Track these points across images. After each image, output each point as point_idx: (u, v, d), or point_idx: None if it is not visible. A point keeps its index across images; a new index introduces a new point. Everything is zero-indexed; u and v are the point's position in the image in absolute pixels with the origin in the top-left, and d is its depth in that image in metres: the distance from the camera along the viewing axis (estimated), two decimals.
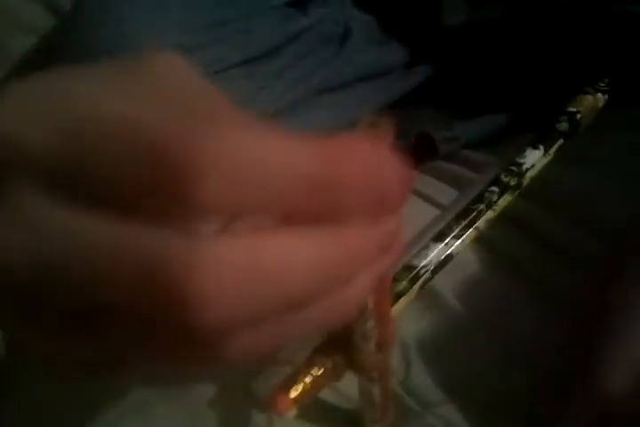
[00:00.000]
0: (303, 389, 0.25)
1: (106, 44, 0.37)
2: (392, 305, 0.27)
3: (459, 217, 0.32)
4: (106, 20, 0.39)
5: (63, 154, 0.12)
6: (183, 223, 0.13)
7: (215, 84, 0.16)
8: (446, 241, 0.31)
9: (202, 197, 0.12)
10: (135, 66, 0.15)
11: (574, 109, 0.39)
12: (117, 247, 0.12)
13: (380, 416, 0.30)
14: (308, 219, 0.13)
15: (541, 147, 0.36)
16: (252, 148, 0.12)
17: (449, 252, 0.30)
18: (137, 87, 0.15)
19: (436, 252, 0.30)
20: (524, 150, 0.36)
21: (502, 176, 0.34)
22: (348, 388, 0.30)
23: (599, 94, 0.40)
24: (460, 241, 0.31)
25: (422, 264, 0.29)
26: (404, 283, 0.28)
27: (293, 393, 0.25)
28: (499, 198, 0.33)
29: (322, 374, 0.25)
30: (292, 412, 0.25)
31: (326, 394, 0.30)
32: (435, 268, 0.30)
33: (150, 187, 0.12)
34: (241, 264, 0.12)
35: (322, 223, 0.13)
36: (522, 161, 0.35)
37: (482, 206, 0.32)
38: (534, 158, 0.36)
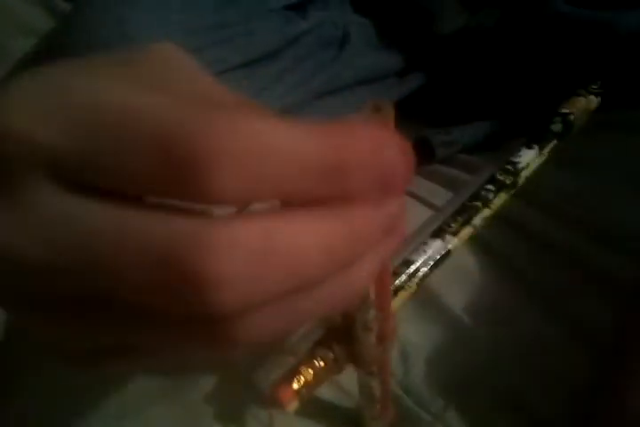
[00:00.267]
0: (305, 381, 0.25)
1: (106, 45, 0.37)
2: (392, 298, 0.28)
3: (456, 214, 0.32)
4: (106, 21, 0.39)
5: (71, 147, 0.12)
6: (196, 206, 0.13)
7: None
8: (444, 237, 0.31)
9: (216, 185, 0.12)
10: (132, 57, 0.16)
11: (567, 111, 0.40)
12: (130, 233, 0.12)
13: (379, 413, 0.30)
14: (317, 202, 0.13)
15: (536, 147, 0.37)
16: (261, 134, 0.12)
17: (446, 248, 0.31)
18: (137, 77, 0.15)
19: (434, 248, 0.30)
20: (519, 150, 0.36)
21: (498, 175, 0.35)
22: (348, 385, 0.30)
23: (592, 96, 0.41)
24: (457, 238, 0.31)
25: (421, 259, 0.29)
26: (403, 277, 0.29)
27: (295, 385, 0.25)
28: (495, 197, 0.34)
29: (323, 366, 0.25)
30: (294, 404, 0.25)
31: (326, 391, 0.30)
32: (433, 263, 0.30)
33: (162, 175, 0.12)
34: (255, 247, 0.12)
35: (330, 205, 0.13)
36: (517, 160, 0.36)
37: (478, 204, 0.33)
38: (529, 158, 0.36)
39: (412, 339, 0.32)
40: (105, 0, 0.41)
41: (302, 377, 0.25)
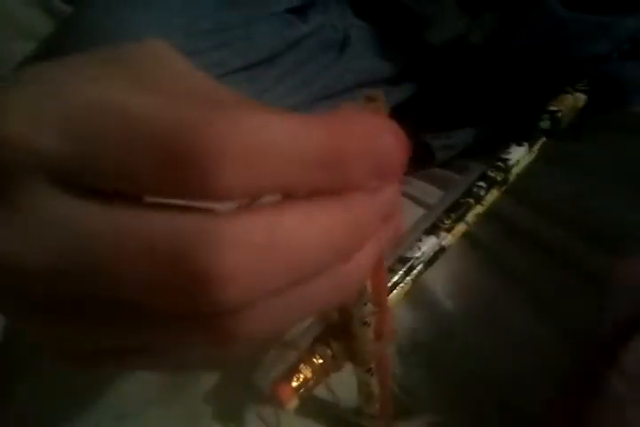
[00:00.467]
0: (304, 379, 0.25)
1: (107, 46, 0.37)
2: (388, 294, 0.28)
3: (449, 211, 0.32)
4: (107, 24, 0.39)
5: (69, 150, 0.12)
6: (196, 204, 0.13)
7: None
8: (438, 234, 0.31)
9: (220, 183, 0.12)
10: (124, 54, 0.16)
11: (555, 108, 0.40)
12: (132, 233, 0.12)
13: (378, 411, 0.30)
14: (317, 192, 0.13)
15: (525, 144, 0.37)
16: (260, 129, 0.12)
17: (441, 244, 0.31)
18: (132, 76, 0.15)
19: (429, 244, 0.30)
20: (509, 147, 0.36)
21: (489, 172, 0.35)
22: (346, 386, 0.30)
23: (578, 94, 0.41)
24: (451, 234, 0.32)
25: (416, 256, 0.30)
26: (399, 273, 0.29)
27: (294, 383, 0.25)
28: (486, 193, 0.34)
29: (322, 363, 0.25)
30: (294, 403, 0.25)
31: (326, 391, 0.30)
32: (428, 260, 0.30)
33: (164, 175, 0.12)
34: (257, 242, 0.12)
35: (328, 195, 0.13)
36: (507, 157, 0.36)
37: (471, 201, 0.33)
38: (519, 155, 0.36)
39: (407, 338, 0.32)
40: (106, 1, 0.41)
41: (301, 375, 0.25)
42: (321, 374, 0.26)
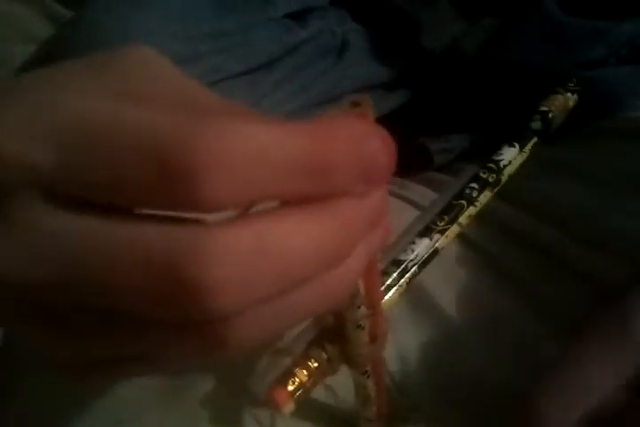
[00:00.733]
0: (299, 382, 0.25)
1: (107, 47, 0.38)
2: (382, 297, 0.28)
3: (442, 213, 0.32)
4: (107, 26, 0.39)
5: (61, 165, 0.13)
6: (188, 214, 0.13)
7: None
8: (431, 236, 0.31)
9: (207, 193, 0.12)
10: (112, 62, 0.16)
11: (546, 109, 0.40)
12: (123, 245, 0.12)
13: (374, 414, 0.30)
14: (304, 198, 0.14)
15: (517, 144, 0.37)
16: (246, 138, 0.12)
17: (434, 246, 0.31)
18: (120, 87, 0.15)
19: (422, 246, 0.31)
20: (501, 148, 0.37)
21: (481, 173, 0.35)
22: (343, 388, 0.30)
23: (569, 94, 0.41)
24: (444, 236, 0.32)
25: (409, 258, 0.30)
26: (393, 276, 0.29)
27: (290, 387, 0.25)
28: (479, 194, 0.34)
29: (317, 367, 0.25)
30: (290, 406, 0.25)
31: (322, 394, 0.30)
32: (422, 262, 0.30)
33: (153, 186, 0.12)
34: (246, 252, 0.12)
35: (316, 201, 0.14)
36: (499, 158, 0.36)
37: (463, 202, 0.33)
38: (511, 155, 0.37)
39: (407, 341, 0.32)
40: (106, 4, 0.41)
41: (297, 379, 0.25)
42: (316, 377, 0.26)
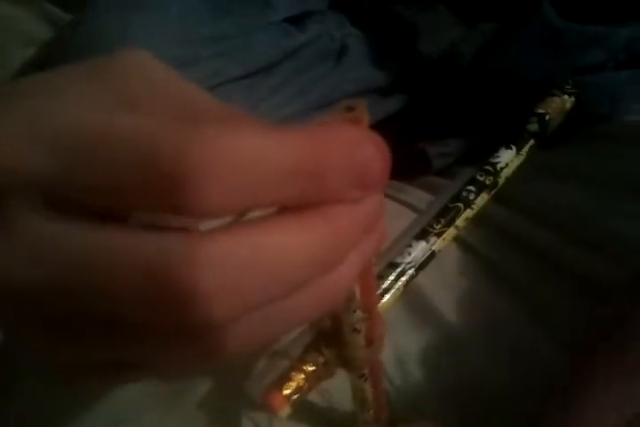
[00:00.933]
0: (296, 386, 0.25)
1: (107, 49, 0.38)
2: (379, 300, 0.28)
3: (439, 216, 0.32)
4: (107, 29, 0.39)
5: (57, 173, 0.13)
6: (184, 222, 0.13)
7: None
8: (428, 239, 0.31)
9: (201, 200, 0.12)
10: (107, 67, 0.16)
11: (543, 111, 0.40)
12: (116, 254, 0.12)
13: (372, 418, 0.30)
14: (298, 205, 0.13)
15: (514, 147, 0.37)
16: (240, 145, 0.12)
17: (431, 249, 0.31)
18: (115, 93, 0.15)
19: (419, 249, 0.31)
20: (498, 150, 0.37)
21: (478, 176, 0.35)
22: (340, 391, 0.30)
23: (566, 96, 0.42)
24: (441, 239, 0.32)
25: (406, 261, 0.30)
26: (390, 279, 0.29)
27: (286, 391, 0.25)
28: (476, 197, 0.34)
29: (314, 370, 0.25)
30: (286, 410, 0.25)
31: (320, 397, 0.30)
32: (418, 265, 0.30)
33: (147, 193, 0.12)
34: (239, 261, 0.12)
35: (310, 207, 0.14)
36: (496, 161, 0.36)
37: (460, 205, 0.33)
38: (508, 158, 0.37)
39: (406, 344, 0.32)
40: (106, 7, 0.41)
41: (293, 383, 0.25)
42: (313, 381, 0.26)
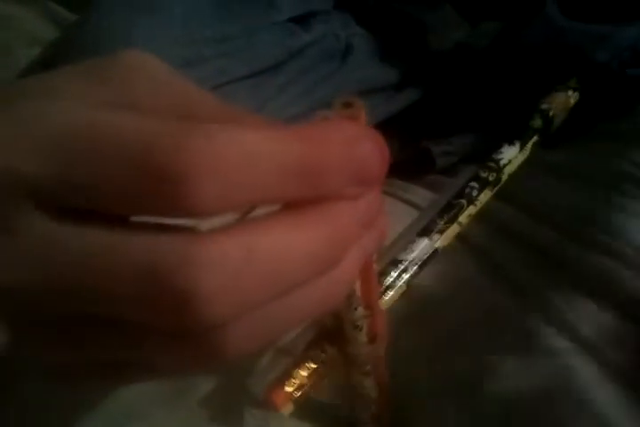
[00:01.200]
0: (299, 383, 0.25)
1: (111, 49, 0.38)
2: (380, 298, 0.28)
3: (442, 212, 0.32)
4: (111, 29, 0.39)
5: (51, 174, 0.13)
6: (182, 222, 0.13)
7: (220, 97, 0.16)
8: (431, 236, 0.31)
9: (194, 198, 0.12)
10: (104, 67, 0.16)
11: (547, 107, 0.40)
12: (114, 255, 0.12)
13: (375, 414, 0.30)
14: (298, 202, 0.14)
15: (517, 143, 0.37)
16: (236, 142, 0.12)
17: (434, 246, 0.31)
18: (110, 93, 0.15)
19: (422, 246, 0.30)
20: (501, 147, 0.36)
21: (481, 172, 0.35)
22: (343, 388, 0.30)
23: (570, 92, 0.41)
24: (443, 236, 0.32)
25: (409, 258, 0.30)
26: (392, 276, 0.29)
27: (289, 388, 0.25)
28: (479, 194, 0.34)
29: (316, 368, 0.25)
30: (289, 407, 0.25)
31: (323, 393, 0.30)
32: (421, 262, 0.30)
33: (142, 192, 0.12)
34: (237, 260, 0.12)
35: (309, 205, 0.14)
36: (499, 157, 0.36)
37: (463, 201, 0.33)
38: (511, 154, 0.36)
39: (407, 341, 0.32)
40: (111, 7, 0.41)
41: (296, 380, 0.25)
42: (316, 378, 0.26)
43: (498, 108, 0.46)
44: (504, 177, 0.36)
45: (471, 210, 0.33)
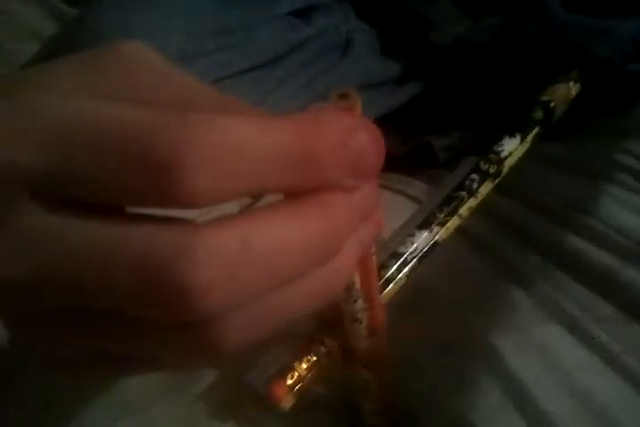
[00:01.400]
0: (299, 377, 0.25)
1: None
2: (381, 291, 0.28)
3: (442, 205, 0.32)
4: (111, 23, 0.40)
5: (49, 166, 0.13)
6: (179, 214, 0.13)
7: (220, 90, 0.16)
8: (431, 228, 0.31)
9: (189, 188, 0.12)
10: (100, 58, 0.16)
11: (548, 98, 0.40)
12: (110, 247, 0.12)
13: (376, 408, 0.30)
14: (294, 193, 0.13)
15: (518, 135, 0.37)
16: (230, 132, 0.12)
17: (434, 239, 0.31)
18: (107, 84, 0.15)
19: (422, 239, 0.30)
20: (502, 138, 0.36)
21: (481, 164, 0.35)
22: (343, 381, 0.30)
23: (571, 83, 0.41)
24: (444, 228, 0.31)
25: (409, 251, 0.29)
26: (392, 269, 0.29)
27: (289, 382, 0.25)
28: (479, 186, 0.34)
29: (316, 361, 0.25)
30: (289, 401, 0.25)
31: (324, 387, 0.30)
32: (421, 255, 0.30)
33: (137, 183, 0.12)
34: (233, 252, 0.12)
35: (305, 195, 0.14)
36: (499, 149, 0.36)
37: (463, 194, 0.33)
38: (511, 146, 0.36)
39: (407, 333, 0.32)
40: (111, 1, 0.42)
41: (296, 373, 0.25)
42: (316, 371, 0.26)
43: (499, 102, 0.46)
44: (505, 169, 0.36)
45: (472, 202, 0.33)
